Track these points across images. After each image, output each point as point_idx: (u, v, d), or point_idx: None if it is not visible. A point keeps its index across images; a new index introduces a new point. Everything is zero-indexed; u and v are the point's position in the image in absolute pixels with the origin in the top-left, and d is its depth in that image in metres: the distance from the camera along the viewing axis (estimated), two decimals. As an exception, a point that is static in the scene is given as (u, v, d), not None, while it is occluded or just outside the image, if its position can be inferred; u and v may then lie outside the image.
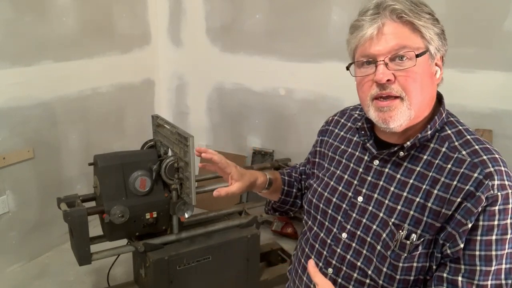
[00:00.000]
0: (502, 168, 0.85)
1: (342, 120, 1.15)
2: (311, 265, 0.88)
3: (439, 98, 0.97)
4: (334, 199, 1.03)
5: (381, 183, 0.96)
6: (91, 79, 3.03)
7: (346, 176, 1.03)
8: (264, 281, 2.38)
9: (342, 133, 1.12)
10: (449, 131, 0.92)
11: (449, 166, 0.88)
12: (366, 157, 1.01)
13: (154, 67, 3.59)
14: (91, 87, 3.04)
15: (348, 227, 0.98)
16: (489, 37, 2.37)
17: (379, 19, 0.87)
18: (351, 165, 1.04)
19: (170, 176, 2.00)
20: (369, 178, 0.98)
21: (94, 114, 3.09)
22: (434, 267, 0.88)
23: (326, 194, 1.06)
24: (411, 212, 0.89)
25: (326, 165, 1.11)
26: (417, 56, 0.86)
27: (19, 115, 2.59)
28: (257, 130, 3.39)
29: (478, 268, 0.83)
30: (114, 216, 1.91)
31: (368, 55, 0.89)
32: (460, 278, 0.85)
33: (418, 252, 0.88)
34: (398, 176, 0.93)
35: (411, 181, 0.91)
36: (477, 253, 0.83)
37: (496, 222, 0.82)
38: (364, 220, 0.96)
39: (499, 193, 0.82)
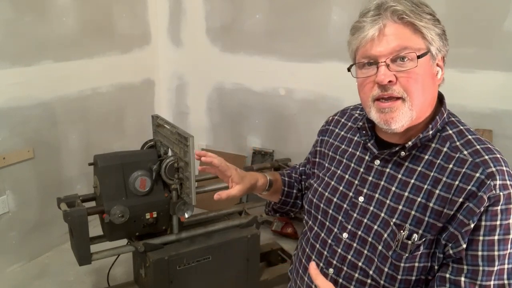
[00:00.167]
0: (504, 168, 0.85)
1: (343, 120, 1.15)
2: (313, 267, 0.88)
3: (440, 98, 0.97)
4: (335, 199, 1.03)
5: (382, 183, 0.95)
6: (91, 79, 3.03)
7: (347, 176, 1.03)
8: (264, 281, 2.38)
9: (342, 132, 1.12)
10: (450, 131, 0.92)
11: (450, 166, 0.88)
12: (367, 157, 1.01)
13: (154, 67, 3.59)
14: (91, 87, 3.04)
15: (349, 227, 0.98)
16: (489, 37, 2.38)
17: (380, 20, 0.87)
18: (352, 165, 1.04)
19: (170, 176, 2.00)
20: (370, 178, 0.98)
21: (94, 114, 3.09)
22: (436, 267, 0.88)
23: (326, 194, 1.05)
24: (413, 212, 0.89)
25: (326, 165, 1.11)
26: (418, 57, 0.86)
27: (19, 115, 2.59)
28: (257, 130, 3.39)
29: (480, 268, 0.83)
30: (114, 216, 1.91)
31: (369, 57, 0.89)
32: (462, 279, 0.85)
33: (420, 252, 0.88)
34: (399, 176, 0.93)
35: (412, 181, 0.91)
36: (480, 253, 0.83)
37: (498, 222, 0.82)
38: (365, 220, 0.96)
39: (501, 193, 0.82)
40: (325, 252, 1.01)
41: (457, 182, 0.85)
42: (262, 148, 3.36)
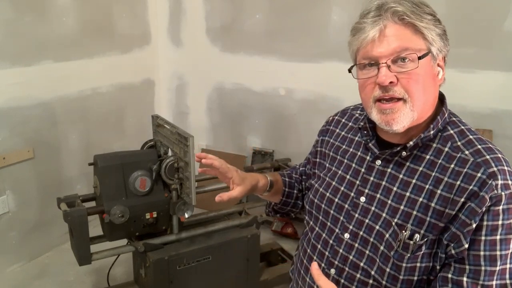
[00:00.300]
0: (505, 168, 0.85)
1: (343, 120, 1.14)
2: (315, 267, 0.87)
3: (441, 98, 0.97)
4: (336, 199, 1.03)
5: (383, 183, 0.95)
6: (91, 79, 3.03)
7: (348, 176, 1.03)
8: (264, 281, 2.38)
9: (343, 133, 1.12)
10: (451, 131, 0.93)
11: (452, 166, 0.88)
12: (368, 157, 1.01)
13: (154, 67, 3.59)
14: (91, 87, 3.04)
15: (351, 227, 0.98)
16: (489, 37, 2.38)
17: (380, 21, 0.87)
18: (353, 165, 1.03)
19: (170, 176, 2.00)
20: (372, 178, 0.98)
21: (94, 114, 3.08)
22: (438, 267, 0.88)
23: (328, 194, 1.05)
24: (414, 212, 0.89)
25: (327, 165, 1.11)
26: (419, 58, 0.86)
27: (19, 115, 2.59)
28: (257, 130, 3.39)
29: (483, 268, 0.83)
30: (114, 216, 1.91)
31: (370, 58, 0.89)
32: (465, 279, 0.85)
33: (422, 252, 0.88)
34: (401, 176, 0.93)
35: (414, 181, 0.91)
36: (482, 253, 0.83)
37: (500, 222, 0.82)
38: (367, 221, 0.96)
39: (502, 193, 0.82)
40: (327, 253, 1.01)
41: (458, 182, 0.85)
42: (262, 148, 3.36)
